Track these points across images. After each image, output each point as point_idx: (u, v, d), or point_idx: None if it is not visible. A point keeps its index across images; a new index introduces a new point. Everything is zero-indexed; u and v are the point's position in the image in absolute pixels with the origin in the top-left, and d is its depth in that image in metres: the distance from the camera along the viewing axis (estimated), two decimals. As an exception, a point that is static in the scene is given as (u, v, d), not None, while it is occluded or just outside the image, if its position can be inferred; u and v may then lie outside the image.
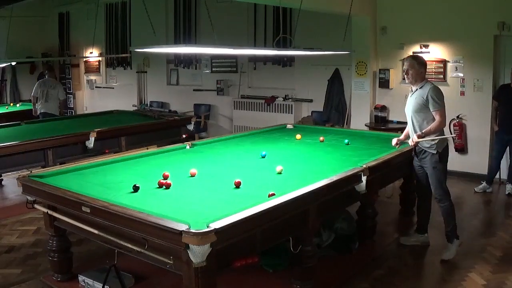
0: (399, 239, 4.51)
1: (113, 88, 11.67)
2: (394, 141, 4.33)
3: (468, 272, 3.82)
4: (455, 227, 4.15)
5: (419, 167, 4.27)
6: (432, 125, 3.99)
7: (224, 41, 4.16)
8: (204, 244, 2.39)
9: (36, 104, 8.03)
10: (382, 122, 7.32)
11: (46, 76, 8.38)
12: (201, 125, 8.85)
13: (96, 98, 12.20)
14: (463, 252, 4.10)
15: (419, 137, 4.02)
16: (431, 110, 3.99)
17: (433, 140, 4.02)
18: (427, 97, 3.99)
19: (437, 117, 3.98)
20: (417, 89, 4.10)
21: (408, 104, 4.22)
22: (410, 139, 4.11)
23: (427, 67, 6.60)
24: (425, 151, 4.11)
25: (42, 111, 8.04)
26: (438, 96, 4.00)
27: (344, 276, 3.79)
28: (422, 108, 4.03)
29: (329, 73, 8.09)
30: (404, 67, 4.23)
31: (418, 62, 4.07)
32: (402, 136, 4.39)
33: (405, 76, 4.16)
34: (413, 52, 7.02)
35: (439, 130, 4.04)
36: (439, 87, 4.15)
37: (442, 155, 4.09)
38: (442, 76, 6.78)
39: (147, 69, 10.94)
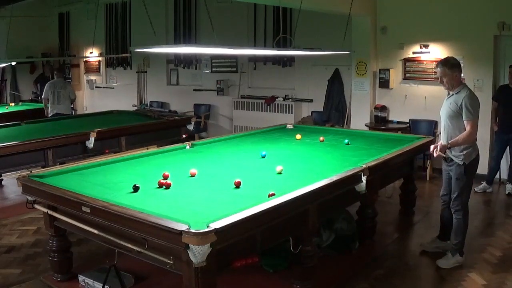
0: (421, 244, 4.34)
1: (113, 88, 11.67)
2: (432, 148, 3.98)
3: (468, 272, 3.82)
4: (462, 244, 3.97)
5: (447, 173, 4.06)
6: (460, 136, 3.77)
7: (224, 41, 4.16)
8: (204, 244, 2.39)
9: (48, 106, 8.11)
10: (382, 122, 7.32)
11: (55, 77, 8.38)
12: (201, 125, 8.86)
13: (96, 98, 12.20)
14: (463, 252, 4.09)
15: (442, 148, 3.83)
16: (463, 119, 3.78)
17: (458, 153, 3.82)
18: (461, 104, 3.77)
19: (467, 128, 3.75)
20: (453, 94, 3.89)
21: (442, 108, 4.01)
22: (435, 149, 3.88)
23: (429, 67, 6.78)
24: (452, 159, 3.92)
25: (54, 112, 8.08)
26: (472, 105, 3.76)
27: (344, 276, 3.79)
28: (456, 115, 3.82)
29: (329, 73, 8.08)
30: (436, 74, 3.95)
31: (449, 67, 3.81)
32: (439, 142, 4.05)
33: (441, 84, 3.92)
34: (413, 52, 7.04)
35: (467, 142, 3.80)
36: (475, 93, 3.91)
37: (468, 167, 3.86)
38: (442, 76, 6.79)
39: (147, 69, 10.93)
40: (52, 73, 9.60)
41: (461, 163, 3.86)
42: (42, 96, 8.35)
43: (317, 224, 3.52)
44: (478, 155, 3.96)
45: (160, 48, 4.63)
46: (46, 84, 8.38)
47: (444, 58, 4.01)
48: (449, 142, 3.84)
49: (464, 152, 3.85)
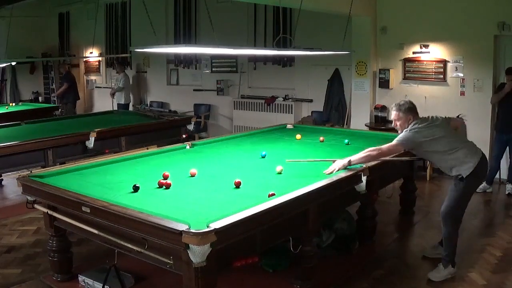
0: (424, 251, 4.24)
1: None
2: None
3: (468, 272, 3.82)
4: (453, 254, 3.75)
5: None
6: (368, 150, 3.74)
7: (224, 41, 4.16)
8: (204, 244, 2.39)
9: (117, 94, 9.74)
10: (382, 122, 7.31)
11: (125, 72, 10.03)
12: (201, 125, 8.86)
13: (96, 98, 12.20)
14: (463, 252, 4.10)
15: (339, 166, 3.67)
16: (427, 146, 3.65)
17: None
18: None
19: (387, 144, 3.72)
20: None
21: None
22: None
23: (429, 67, 6.78)
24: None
25: (125, 102, 9.57)
26: (409, 136, 3.64)
27: (344, 276, 3.79)
28: (420, 148, 3.71)
29: (329, 73, 8.09)
30: (391, 117, 3.90)
31: (403, 111, 3.74)
32: None
33: (395, 126, 3.87)
34: (413, 52, 7.04)
35: (371, 158, 3.73)
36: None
37: (468, 181, 3.66)
38: (442, 76, 6.78)
39: (147, 69, 10.94)
40: (68, 71, 11.05)
41: (459, 177, 3.70)
42: (123, 86, 9.83)
43: (317, 224, 3.52)
44: (479, 168, 3.65)
45: (160, 48, 4.62)
46: (123, 76, 9.88)
47: (400, 102, 3.83)
48: (350, 159, 3.70)
49: (454, 169, 3.68)
